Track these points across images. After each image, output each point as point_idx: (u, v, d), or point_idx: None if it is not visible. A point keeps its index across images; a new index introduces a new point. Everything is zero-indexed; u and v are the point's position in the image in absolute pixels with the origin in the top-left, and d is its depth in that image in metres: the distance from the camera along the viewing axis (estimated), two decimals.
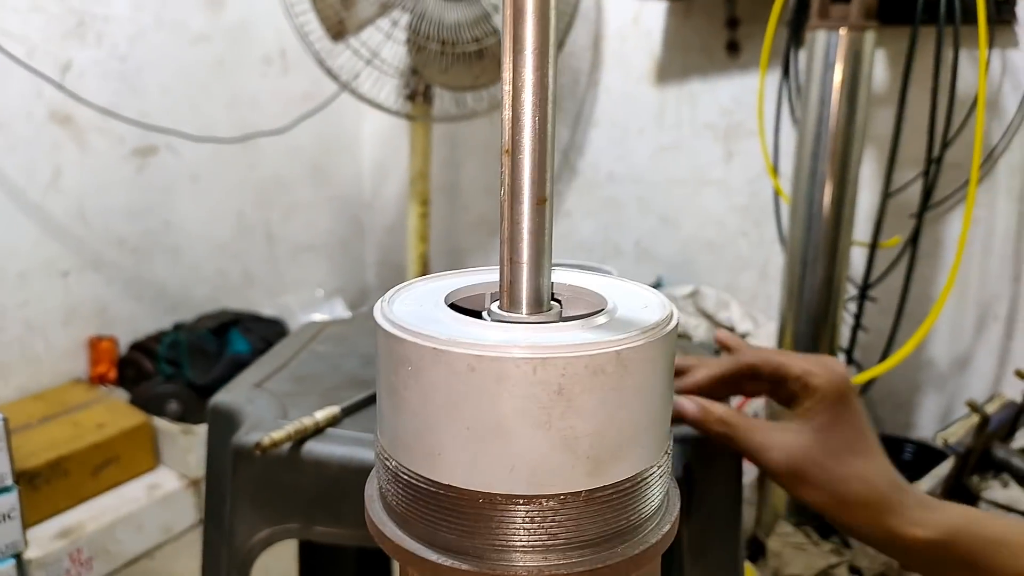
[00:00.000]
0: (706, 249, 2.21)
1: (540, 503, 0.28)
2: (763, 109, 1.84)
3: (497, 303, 0.31)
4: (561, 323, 0.27)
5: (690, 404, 0.59)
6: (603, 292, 0.34)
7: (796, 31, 1.85)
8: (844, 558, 1.44)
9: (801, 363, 0.58)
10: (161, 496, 1.81)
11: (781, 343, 1.69)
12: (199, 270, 2.30)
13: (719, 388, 0.67)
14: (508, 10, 0.29)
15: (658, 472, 0.31)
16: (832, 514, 0.54)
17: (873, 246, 1.77)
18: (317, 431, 0.75)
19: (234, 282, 2.40)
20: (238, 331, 2.15)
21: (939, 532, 0.50)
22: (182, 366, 2.03)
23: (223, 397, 0.82)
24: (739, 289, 2.14)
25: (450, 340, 0.27)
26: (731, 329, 1.96)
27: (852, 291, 1.81)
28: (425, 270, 2.18)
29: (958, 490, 1.53)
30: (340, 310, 2.48)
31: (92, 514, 1.72)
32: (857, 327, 1.82)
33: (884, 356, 1.76)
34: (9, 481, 1.56)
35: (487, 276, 0.36)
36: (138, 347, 2.10)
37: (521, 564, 0.28)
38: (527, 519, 0.28)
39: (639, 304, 0.32)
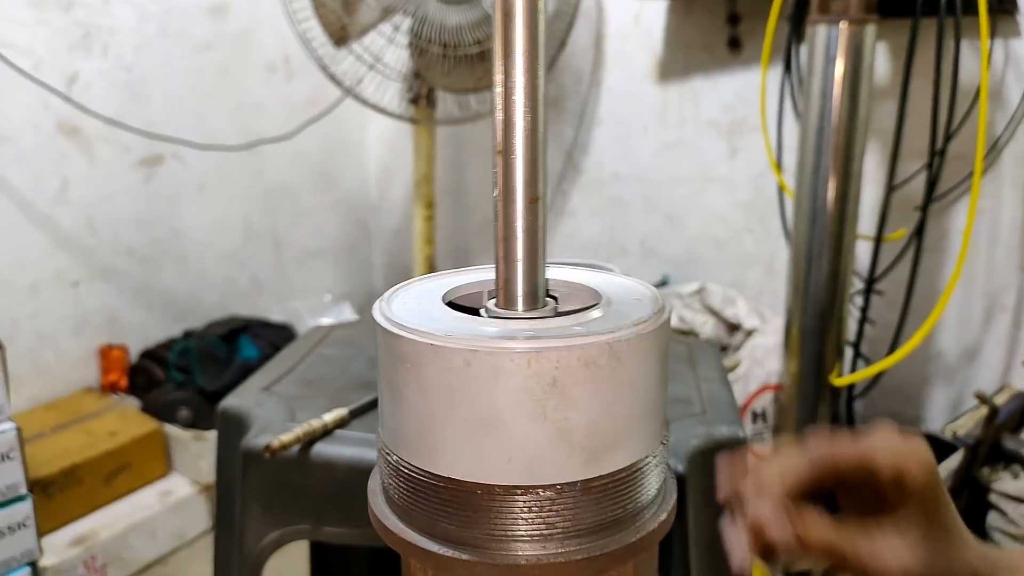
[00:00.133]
0: (712, 246, 2.21)
1: (537, 493, 0.29)
2: (765, 105, 1.84)
3: (494, 300, 0.32)
4: (556, 318, 0.28)
5: (779, 528, 0.45)
6: (598, 288, 0.34)
7: (797, 26, 1.85)
8: None
9: (888, 457, 0.48)
10: (174, 502, 1.82)
11: (788, 337, 1.69)
12: (208, 277, 2.32)
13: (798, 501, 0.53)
14: (498, 14, 0.30)
15: (654, 462, 0.31)
16: None
17: (878, 239, 1.77)
18: (325, 433, 0.76)
19: (243, 289, 2.42)
20: (247, 337, 2.17)
21: None
22: (192, 373, 2.05)
23: (232, 401, 0.83)
24: (745, 285, 2.14)
25: (447, 336, 0.28)
26: (738, 325, 1.97)
27: (858, 285, 1.81)
28: (431, 272, 2.19)
29: (968, 482, 1.52)
30: (348, 314, 2.49)
31: (106, 521, 1.74)
32: (864, 320, 1.82)
33: (892, 349, 1.76)
34: (23, 490, 1.58)
35: (485, 275, 0.36)
36: (148, 355, 2.12)
37: (520, 553, 0.29)
38: (525, 509, 0.29)
39: (632, 298, 0.33)
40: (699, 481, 0.75)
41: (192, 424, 1.95)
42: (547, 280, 0.33)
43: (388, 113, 2.01)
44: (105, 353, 2.07)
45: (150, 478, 1.87)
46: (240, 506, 0.77)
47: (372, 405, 0.80)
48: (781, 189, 1.93)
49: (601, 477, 0.29)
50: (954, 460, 1.58)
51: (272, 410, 0.80)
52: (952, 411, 1.91)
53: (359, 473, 0.73)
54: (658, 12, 2.13)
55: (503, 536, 0.29)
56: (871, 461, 0.47)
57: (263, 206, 2.45)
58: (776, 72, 1.93)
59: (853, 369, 1.80)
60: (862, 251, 1.79)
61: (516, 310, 0.31)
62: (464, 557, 0.29)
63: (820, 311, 1.64)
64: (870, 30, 1.52)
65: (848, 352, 1.76)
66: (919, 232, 1.75)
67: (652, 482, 0.32)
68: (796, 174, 1.64)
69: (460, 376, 0.28)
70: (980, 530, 1.51)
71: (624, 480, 0.30)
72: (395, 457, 0.31)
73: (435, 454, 0.29)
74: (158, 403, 1.98)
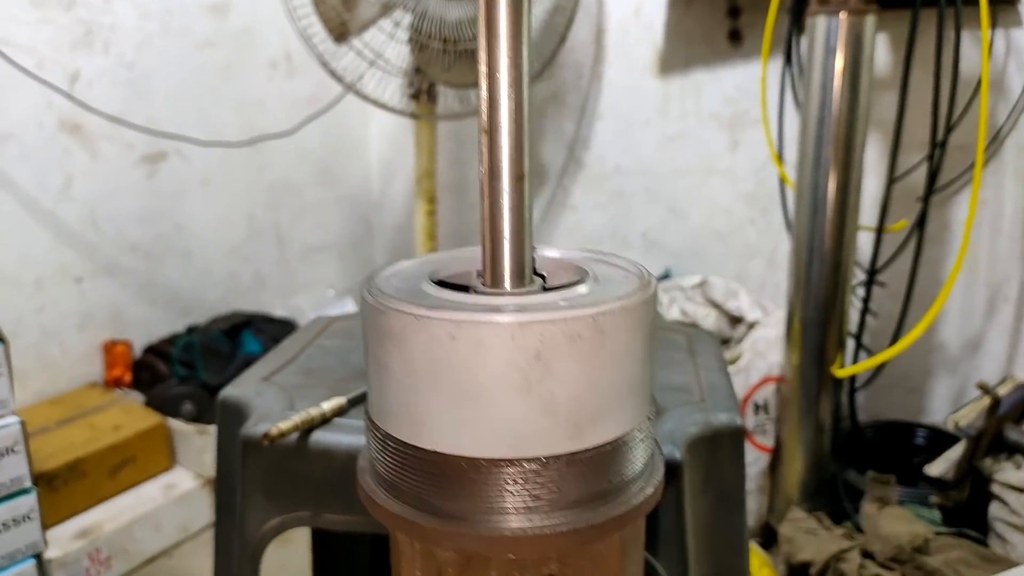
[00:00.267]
0: (714, 238, 2.21)
1: (522, 466, 0.29)
2: (766, 97, 1.84)
3: (482, 279, 0.33)
4: (541, 293, 0.28)
5: None
6: (585, 265, 0.35)
7: (797, 18, 1.85)
8: (856, 542, 1.44)
9: None
10: (178, 496, 1.83)
11: (790, 329, 1.69)
12: (211, 273, 2.33)
13: None
14: None
15: (640, 436, 0.32)
16: None
17: (880, 230, 1.77)
18: (324, 421, 0.77)
19: (246, 284, 2.43)
20: (250, 332, 2.17)
21: None
22: (196, 368, 2.05)
23: (232, 391, 0.84)
24: (748, 277, 2.14)
25: (431, 309, 0.28)
26: (740, 318, 1.97)
27: (860, 276, 1.81)
28: None
29: (970, 473, 1.52)
30: (351, 309, 2.50)
31: (110, 514, 1.75)
32: (866, 312, 1.82)
33: (894, 340, 1.76)
34: (28, 483, 1.59)
35: (474, 254, 0.37)
36: (152, 350, 2.12)
37: (506, 526, 0.29)
38: (510, 482, 0.29)
39: (619, 275, 0.33)
40: (697, 468, 0.75)
41: (196, 418, 1.96)
42: (535, 259, 0.33)
43: (389, 109, 2.02)
44: (109, 348, 2.08)
45: (154, 471, 1.88)
46: (240, 494, 0.78)
47: None
48: (783, 181, 1.93)
49: (586, 450, 0.30)
50: (956, 451, 1.58)
51: (271, 399, 0.81)
52: (954, 402, 1.91)
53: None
54: (658, 5, 2.13)
55: (489, 508, 0.29)
56: None
57: (266, 202, 2.45)
58: (777, 64, 1.93)
59: (855, 361, 1.80)
60: (864, 243, 1.79)
61: (503, 287, 0.32)
62: (450, 529, 0.30)
63: (822, 302, 1.64)
64: (870, 21, 1.52)
65: (850, 344, 1.76)
66: (921, 223, 1.75)
67: (638, 456, 0.32)
68: (797, 166, 1.64)
69: (445, 349, 0.28)
70: (982, 520, 1.51)
71: (610, 453, 0.30)
72: (382, 432, 0.31)
73: (421, 428, 0.29)
74: (162, 397, 1.99)
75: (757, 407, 1.77)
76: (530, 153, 0.32)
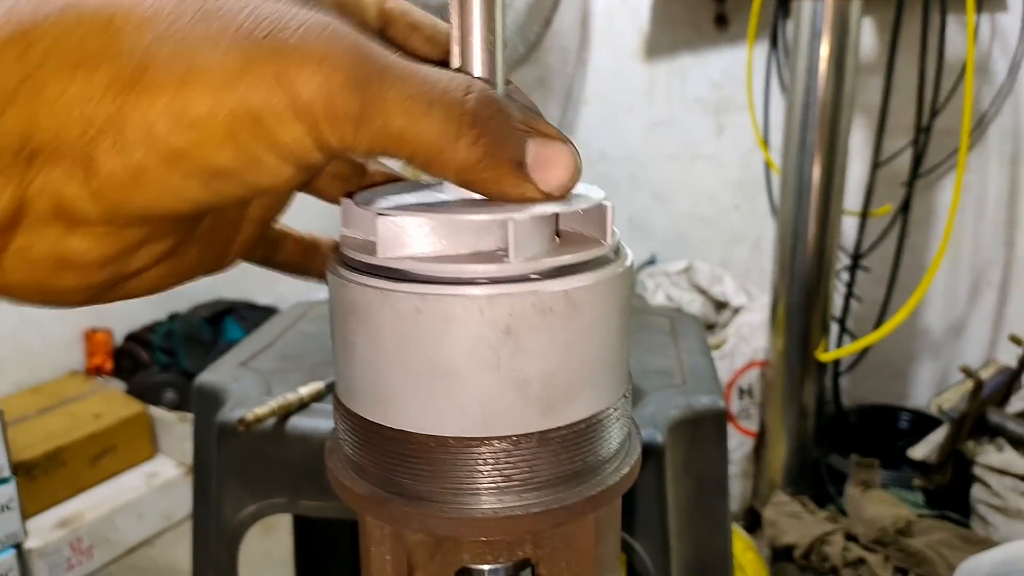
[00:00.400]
0: (699, 224, 2.21)
1: (492, 445, 0.28)
2: (752, 81, 1.84)
3: None
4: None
5: None
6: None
7: (783, 1, 1.84)
8: (839, 525, 1.45)
9: None
10: (160, 484, 1.82)
11: (774, 314, 1.69)
12: None
13: None
14: None
15: (615, 414, 0.31)
16: None
17: (864, 215, 1.77)
18: (301, 407, 0.76)
19: (228, 271, 2.40)
20: (233, 319, 2.15)
21: None
22: (178, 355, 2.03)
23: (208, 376, 0.82)
24: (733, 263, 2.14)
25: (396, 281, 0.27)
26: (725, 303, 1.97)
27: (844, 261, 1.81)
28: None
29: (953, 456, 1.53)
30: None
31: (91, 503, 1.73)
32: (849, 296, 1.82)
33: (878, 325, 1.76)
34: (7, 472, 1.57)
35: None
36: (133, 338, 2.10)
37: (475, 507, 0.28)
38: (480, 461, 0.28)
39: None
40: (679, 451, 0.75)
41: (178, 406, 1.94)
42: None
43: None
44: (90, 336, 2.06)
45: (136, 460, 1.86)
46: (216, 480, 0.76)
47: None
48: (768, 166, 1.92)
49: (559, 428, 0.29)
50: (939, 434, 1.59)
51: (248, 384, 0.79)
52: (938, 386, 1.91)
53: None
54: None
55: (458, 489, 0.28)
56: None
57: None
58: (763, 49, 1.92)
59: (839, 345, 1.80)
60: (848, 227, 1.79)
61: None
62: (419, 511, 0.29)
63: (806, 287, 1.64)
64: (855, 5, 1.51)
65: (834, 328, 1.76)
66: (905, 208, 1.75)
67: (613, 435, 0.31)
68: (782, 151, 1.63)
69: (411, 323, 0.27)
70: (965, 503, 1.52)
71: (583, 432, 0.29)
72: (347, 411, 0.30)
73: (387, 406, 0.28)
74: (143, 385, 1.97)
75: (741, 392, 1.78)
76: None
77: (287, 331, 0.97)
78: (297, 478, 0.74)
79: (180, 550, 1.80)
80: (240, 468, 0.75)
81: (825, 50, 1.53)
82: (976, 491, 1.50)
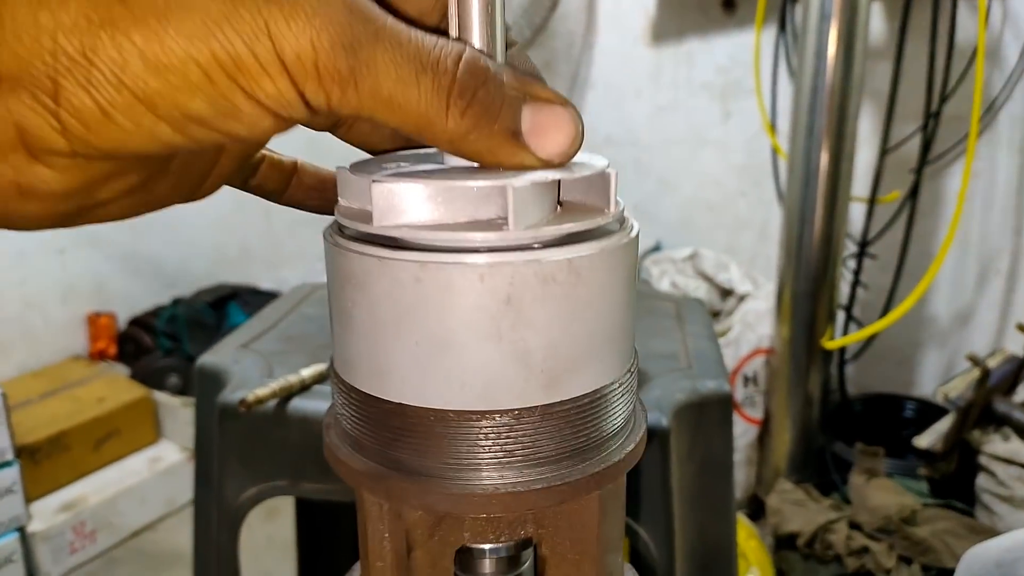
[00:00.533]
0: (705, 210, 2.19)
1: (494, 419, 0.27)
2: (759, 66, 1.82)
3: None
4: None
5: None
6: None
7: None
8: (843, 514, 1.44)
9: None
10: (163, 469, 1.82)
11: (780, 301, 1.68)
12: (196, 244, 2.29)
13: None
14: None
15: (620, 389, 0.30)
16: None
17: (872, 201, 1.75)
18: (303, 388, 0.75)
19: (232, 255, 2.40)
20: (237, 304, 2.15)
21: None
22: (181, 340, 2.03)
23: (209, 358, 0.82)
24: (738, 250, 2.13)
25: (394, 249, 0.26)
26: (730, 291, 1.95)
27: (851, 248, 1.79)
28: None
29: (959, 444, 1.52)
30: None
31: (95, 487, 1.73)
32: (856, 284, 1.80)
33: (884, 313, 1.75)
34: (10, 456, 1.57)
35: None
36: (137, 322, 2.10)
37: (477, 483, 0.27)
38: (481, 436, 0.27)
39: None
40: (684, 435, 0.74)
41: (181, 391, 1.94)
42: None
43: None
44: (93, 320, 2.05)
45: (139, 444, 1.86)
46: (218, 462, 0.76)
47: None
48: (775, 152, 1.91)
49: (563, 403, 0.28)
50: (945, 423, 1.58)
51: (249, 366, 0.79)
52: (944, 375, 1.90)
53: None
54: None
55: (458, 465, 0.28)
56: None
57: None
58: (771, 33, 1.90)
59: (845, 333, 1.79)
60: (856, 214, 1.77)
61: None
62: (418, 487, 0.28)
63: (812, 274, 1.62)
64: None
65: (840, 316, 1.75)
66: (913, 195, 1.73)
67: (618, 411, 0.30)
68: (790, 136, 1.61)
69: (410, 292, 0.26)
70: (970, 492, 1.51)
71: (588, 407, 0.28)
72: (345, 385, 0.29)
73: (385, 379, 0.27)
74: (147, 370, 1.97)
75: (746, 379, 1.77)
76: None
77: (289, 313, 0.96)
78: (298, 460, 0.73)
79: (183, 535, 1.80)
80: (241, 450, 0.74)
81: (834, 34, 1.51)
82: (981, 480, 1.49)
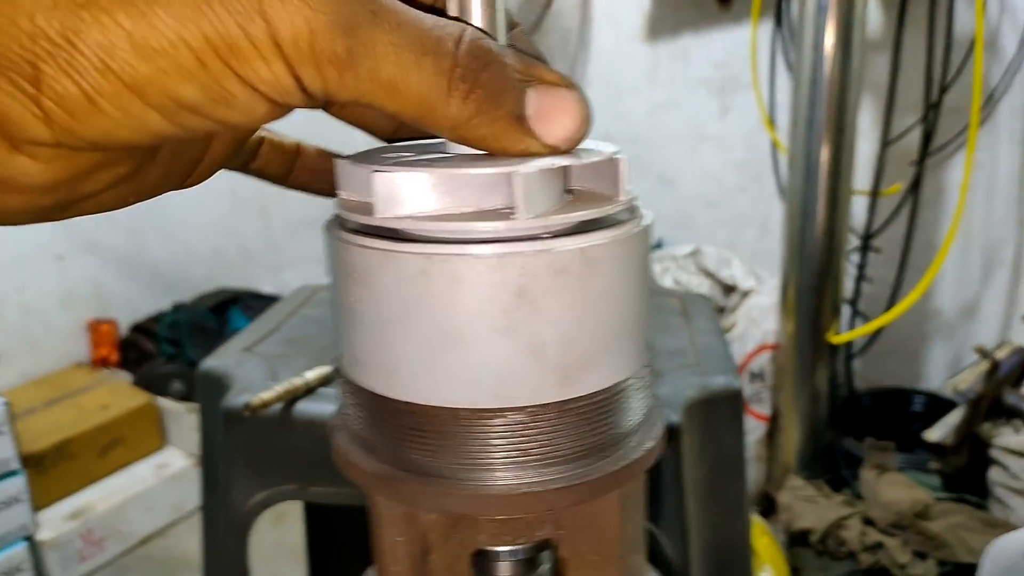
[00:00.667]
0: (705, 207, 2.18)
1: (508, 417, 0.26)
2: (756, 60, 1.81)
3: None
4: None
5: None
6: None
7: None
8: (856, 510, 1.43)
9: None
10: (169, 475, 1.81)
11: (784, 296, 1.67)
12: (195, 249, 2.29)
13: None
14: None
15: (637, 385, 0.29)
16: None
17: (874, 194, 1.74)
18: (308, 391, 0.74)
19: (231, 260, 2.39)
20: (238, 309, 2.14)
21: None
22: (183, 346, 2.02)
23: (212, 362, 0.81)
24: (740, 246, 2.12)
25: (399, 241, 0.25)
26: (733, 287, 1.94)
27: (854, 242, 1.78)
28: None
29: (970, 437, 1.51)
30: None
31: (102, 495, 1.73)
32: (860, 278, 1.80)
33: (889, 306, 1.74)
34: (15, 465, 1.56)
35: None
36: (138, 329, 2.09)
37: (492, 483, 0.27)
38: (495, 434, 0.26)
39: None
40: (695, 433, 0.73)
41: (185, 397, 1.93)
42: None
43: None
44: (95, 327, 2.05)
45: (145, 451, 1.86)
46: (224, 468, 0.75)
47: None
48: (775, 146, 1.90)
49: (579, 399, 0.27)
50: (955, 416, 1.57)
51: (253, 370, 0.78)
52: (951, 368, 1.89)
53: None
54: None
55: (473, 465, 0.27)
56: None
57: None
58: (767, 27, 1.89)
59: (851, 327, 1.78)
60: (858, 208, 1.76)
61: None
62: (432, 489, 0.27)
63: (816, 269, 1.61)
64: None
65: (845, 310, 1.74)
66: (915, 187, 1.72)
67: (636, 407, 0.29)
68: (789, 130, 1.61)
69: (416, 286, 0.25)
70: (982, 485, 1.50)
71: (604, 403, 0.28)
72: (352, 384, 0.28)
73: (393, 377, 0.27)
74: (150, 376, 1.96)
75: (753, 375, 1.76)
76: None
77: (291, 316, 0.95)
78: (306, 464, 0.72)
79: (192, 541, 1.80)
80: (248, 455, 0.73)
81: (831, 27, 1.50)
82: (993, 473, 1.48)
